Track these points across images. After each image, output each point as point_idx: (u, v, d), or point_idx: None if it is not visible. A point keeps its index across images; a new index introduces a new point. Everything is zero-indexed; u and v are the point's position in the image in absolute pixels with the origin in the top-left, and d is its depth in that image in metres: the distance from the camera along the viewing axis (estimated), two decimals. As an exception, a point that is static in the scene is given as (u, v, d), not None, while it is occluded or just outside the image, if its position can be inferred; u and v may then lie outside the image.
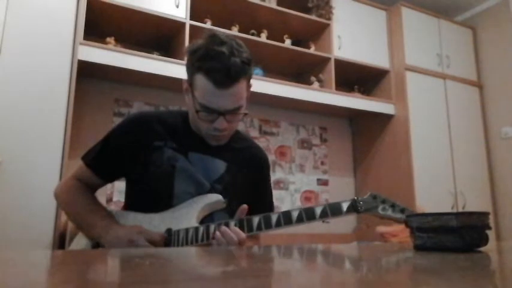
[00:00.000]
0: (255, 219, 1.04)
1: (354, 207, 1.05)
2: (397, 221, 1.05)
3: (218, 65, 0.99)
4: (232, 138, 1.19)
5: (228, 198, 1.13)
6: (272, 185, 1.36)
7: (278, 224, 1.04)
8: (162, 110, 1.34)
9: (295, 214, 1.05)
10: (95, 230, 1.06)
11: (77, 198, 1.14)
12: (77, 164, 1.20)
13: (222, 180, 1.14)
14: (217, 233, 1.00)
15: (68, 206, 1.16)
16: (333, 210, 1.05)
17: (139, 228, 1.03)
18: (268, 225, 1.04)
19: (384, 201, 1.07)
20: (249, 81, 1.09)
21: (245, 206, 1.06)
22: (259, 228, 1.03)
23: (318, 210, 1.05)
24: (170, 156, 1.12)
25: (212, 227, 1.02)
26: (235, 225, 1.02)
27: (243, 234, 1.00)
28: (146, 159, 1.12)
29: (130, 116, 1.20)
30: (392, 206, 1.06)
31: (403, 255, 0.69)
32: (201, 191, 1.11)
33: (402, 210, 1.06)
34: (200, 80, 1.02)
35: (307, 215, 1.05)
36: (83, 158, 1.17)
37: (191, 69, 1.05)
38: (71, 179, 1.18)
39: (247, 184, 1.20)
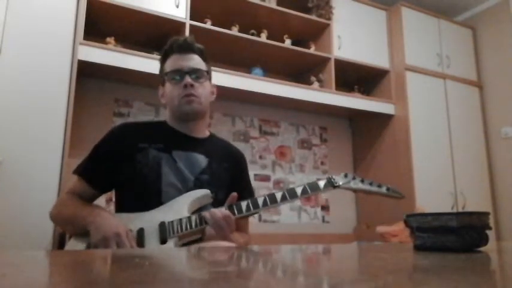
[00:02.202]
0: (243, 203, 1.14)
1: (330, 183, 1.21)
2: (368, 192, 1.24)
3: (177, 39, 1.31)
4: (211, 139, 1.34)
5: (215, 187, 1.22)
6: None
7: (265, 204, 1.14)
8: (142, 121, 1.51)
9: (279, 195, 1.16)
10: (85, 219, 1.09)
11: (68, 204, 1.19)
12: (74, 165, 1.24)
13: (206, 172, 1.24)
14: (206, 213, 1.09)
15: (60, 215, 1.21)
16: (312, 188, 1.19)
17: (124, 227, 1.06)
18: (255, 206, 1.14)
19: (354, 178, 1.25)
20: (205, 61, 1.31)
21: (235, 193, 1.15)
22: (248, 209, 1.13)
23: (299, 190, 1.18)
24: (155, 155, 1.20)
25: (204, 212, 1.10)
26: (225, 209, 1.11)
27: (226, 211, 1.09)
28: (133, 160, 1.18)
29: (113, 126, 1.32)
30: (362, 181, 1.24)
31: (403, 255, 0.69)
32: (185, 184, 1.19)
33: (370, 184, 1.24)
34: (168, 60, 1.29)
35: (290, 194, 1.17)
36: (75, 171, 1.24)
37: (161, 66, 1.33)
38: (63, 195, 1.25)
39: (228, 176, 1.30)
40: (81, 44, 2.13)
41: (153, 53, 2.47)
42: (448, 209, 3.04)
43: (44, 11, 2.06)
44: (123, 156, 1.19)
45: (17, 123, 1.91)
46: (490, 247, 0.73)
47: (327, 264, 0.59)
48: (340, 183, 1.20)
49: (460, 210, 3.08)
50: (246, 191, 1.35)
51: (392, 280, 0.42)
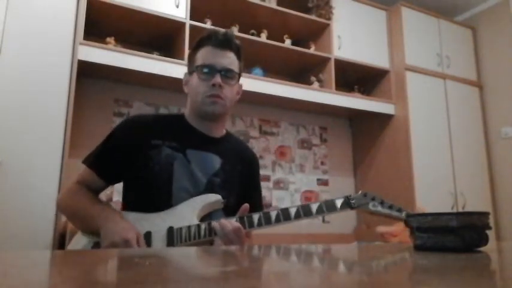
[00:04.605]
0: (255, 216, 1.11)
1: (347, 204, 1.17)
2: (387, 216, 1.18)
3: (217, 32, 1.21)
4: (227, 138, 1.30)
5: (227, 191, 1.19)
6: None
7: (277, 220, 1.12)
8: (159, 113, 1.43)
9: (293, 211, 1.14)
10: (94, 221, 1.07)
11: (77, 197, 1.16)
12: (77, 166, 1.20)
13: (219, 174, 1.20)
14: (216, 223, 1.05)
15: (68, 207, 1.18)
16: (328, 206, 1.16)
17: (135, 231, 1.03)
18: (268, 221, 1.11)
19: (373, 199, 1.19)
20: (239, 59, 1.24)
21: (247, 205, 1.12)
22: (259, 224, 1.10)
23: (314, 207, 1.15)
24: (168, 154, 1.16)
25: (214, 223, 1.06)
26: (236, 221, 1.08)
27: (236, 224, 1.05)
28: (145, 157, 1.14)
29: (128, 117, 1.26)
30: (382, 202, 1.18)
31: (403, 255, 0.69)
32: (197, 187, 1.15)
33: (390, 207, 1.18)
34: (201, 50, 1.21)
35: (305, 211, 1.14)
36: (84, 161, 1.20)
37: (192, 53, 1.23)
38: (72, 184, 1.20)
39: (240, 179, 1.26)
40: (81, 44, 2.13)
41: (153, 53, 2.47)
42: (448, 209, 3.04)
43: (44, 11, 2.06)
44: (135, 151, 1.15)
45: (17, 123, 1.91)
46: (490, 247, 0.73)
47: (327, 264, 0.59)
48: (358, 204, 1.17)
49: (460, 210, 3.08)
50: (255, 198, 1.32)
51: (392, 280, 0.42)
